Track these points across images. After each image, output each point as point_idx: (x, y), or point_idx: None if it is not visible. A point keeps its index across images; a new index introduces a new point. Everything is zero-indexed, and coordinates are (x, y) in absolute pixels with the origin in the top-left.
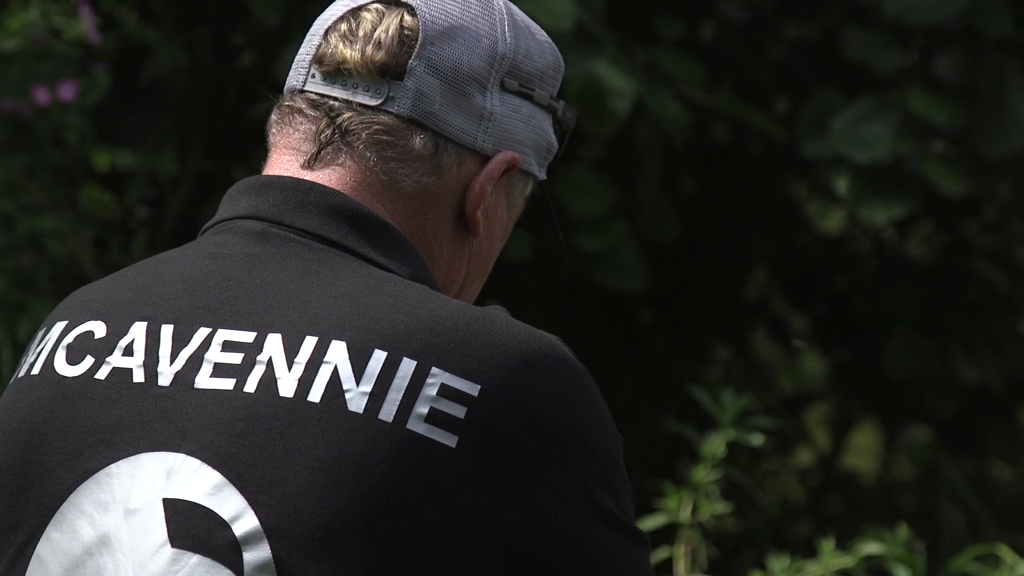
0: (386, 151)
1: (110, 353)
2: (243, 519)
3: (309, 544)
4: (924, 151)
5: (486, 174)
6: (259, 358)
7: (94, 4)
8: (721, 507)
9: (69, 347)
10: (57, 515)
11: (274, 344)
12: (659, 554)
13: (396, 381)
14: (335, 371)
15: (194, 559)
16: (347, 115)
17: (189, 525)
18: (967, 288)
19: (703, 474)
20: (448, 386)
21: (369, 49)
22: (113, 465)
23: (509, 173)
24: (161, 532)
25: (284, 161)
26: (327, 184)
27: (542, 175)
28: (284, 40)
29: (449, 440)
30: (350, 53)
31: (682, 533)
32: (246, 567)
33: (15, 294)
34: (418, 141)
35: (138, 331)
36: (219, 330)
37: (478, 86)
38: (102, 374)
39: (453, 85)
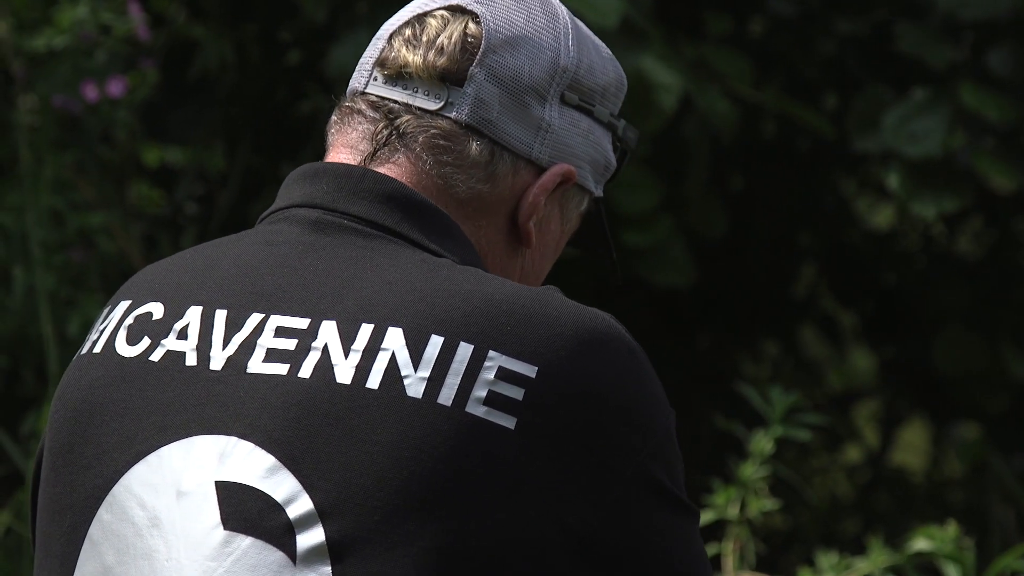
0: (442, 155)
1: (166, 336)
2: (297, 502)
3: (365, 527)
4: (975, 146)
5: (540, 185)
6: (314, 344)
7: (143, 1)
8: (769, 504)
9: (129, 328)
10: (109, 497)
11: (329, 331)
12: (707, 550)
13: (454, 366)
14: (392, 357)
15: (247, 541)
16: (406, 118)
17: (242, 507)
18: (1017, 284)
19: (751, 471)
20: (506, 368)
21: (431, 54)
22: (164, 448)
23: (565, 187)
24: (214, 514)
25: (341, 157)
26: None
27: (598, 192)
28: (331, 37)
29: (508, 422)
30: (412, 57)
31: (730, 530)
32: (299, 550)
33: (65, 290)
34: (474, 147)
35: (193, 315)
36: (272, 316)
37: (538, 97)
38: (157, 356)
39: (512, 94)
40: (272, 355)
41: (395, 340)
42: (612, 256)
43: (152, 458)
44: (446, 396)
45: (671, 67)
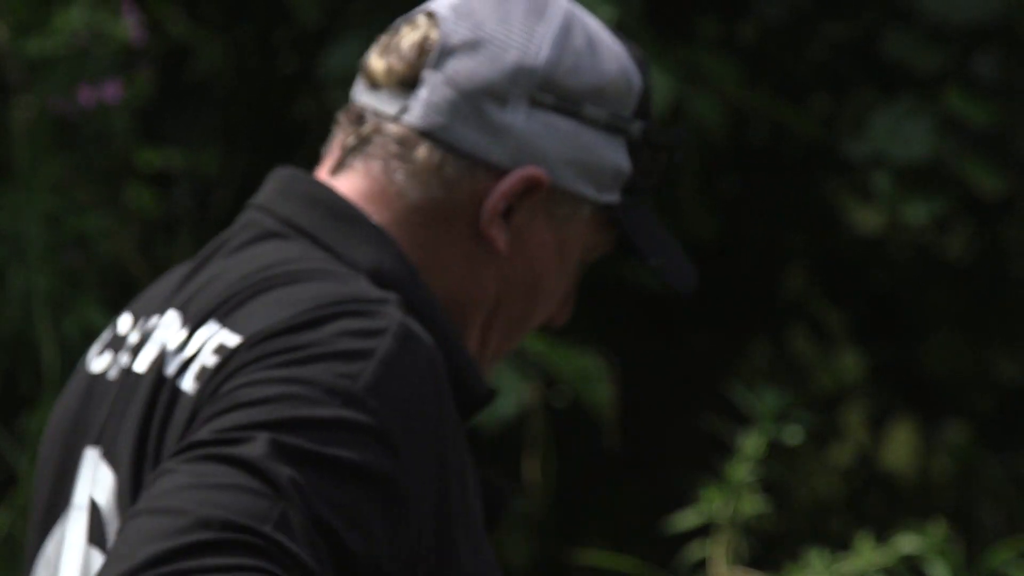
0: (394, 161)
1: (120, 350)
2: (115, 503)
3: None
4: (963, 150)
5: (498, 189)
6: (157, 337)
7: (139, 4)
8: (759, 504)
9: (103, 342)
10: (59, 523)
11: (171, 324)
12: (697, 550)
13: (201, 346)
14: (165, 341)
15: (101, 558)
16: (369, 124)
17: (98, 523)
18: (1005, 287)
19: (741, 471)
20: (220, 342)
21: (393, 59)
22: (87, 452)
23: (537, 192)
24: (84, 531)
25: (322, 168)
26: (343, 189)
27: (603, 198)
28: (325, 40)
29: (191, 389)
30: (380, 64)
31: (720, 530)
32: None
33: (61, 292)
34: (424, 152)
35: (139, 328)
36: (173, 312)
37: (496, 100)
38: (112, 373)
39: (467, 98)
40: (126, 357)
41: (173, 324)
42: (648, 262)
43: (79, 468)
44: (183, 374)
45: (662, 71)
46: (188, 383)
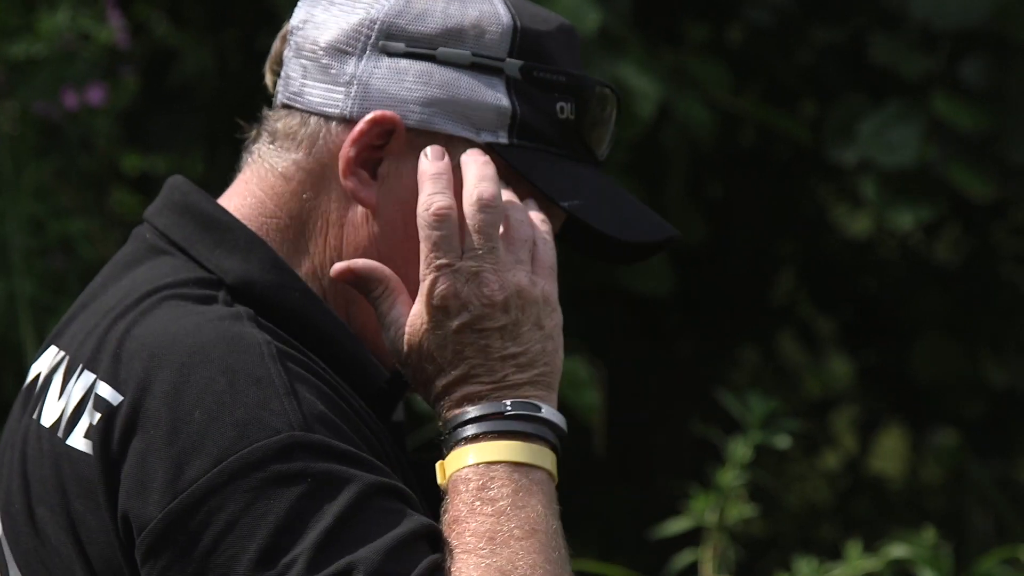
0: (265, 139)
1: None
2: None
3: (11, 555)
4: (950, 156)
5: (348, 137)
6: (40, 372)
7: (124, 8)
8: (748, 510)
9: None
10: None
11: (48, 358)
12: (685, 556)
13: (73, 394)
14: (50, 387)
15: None
16: (264, 114)
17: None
18: (994, 292)
19: (730, 477)
20: (100, 396)
21: (273, 53)
22: None
23: (395, 136)
24: None
25: None
26: (228, 192)
27: (482, 138)
28: None
29: (88, 449)
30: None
31: (708, 536)
32: None
33: (45, 296)
34: (284, 122)
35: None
36: (51, 345)
37: (341, 55)
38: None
39: (313, 60)
40: (26, 392)
41: (61, 370)
42: (564, 207)
43: None
44: (61, 426)
45: (649, 75)
46: (79, 441)
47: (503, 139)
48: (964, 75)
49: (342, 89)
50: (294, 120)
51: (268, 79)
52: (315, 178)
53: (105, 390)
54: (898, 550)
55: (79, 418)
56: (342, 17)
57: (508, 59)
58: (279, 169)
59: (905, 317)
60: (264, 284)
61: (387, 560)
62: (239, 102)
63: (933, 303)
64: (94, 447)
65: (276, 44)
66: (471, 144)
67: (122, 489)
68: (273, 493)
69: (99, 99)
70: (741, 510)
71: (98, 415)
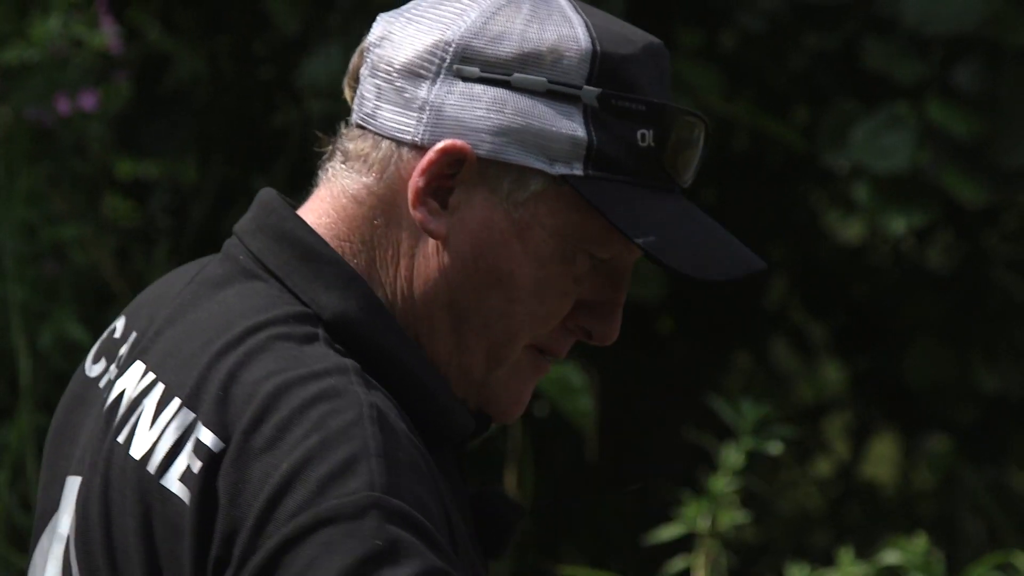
0: (339, 158)
1: (113, 361)
2: (74, 569)
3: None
4: (943, 161)
5: (418, 166)
6: (118, 383)
7: (117, 14)
8: (740, 516)
9: (100, 343)
10: (49, 525)
11: (134, 373)
12: (677, 563)
13: (170, 431)
14: (142, 413)
15: None
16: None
17: (67, 570)
18: (987, 297)
19: (722, 483)
20: (200, 440)
21: (351, 67)
22: (68, 479)
23: (466, 166)
24: (59, 566)
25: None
26: (307, 207)
27: (556, 170)
28: (303, 49)
29: (185, 496)
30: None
31: (701, 542)
32: None
33: (37, 302)
34: (357, 143)
35: (128, 344)
36: (137, 360)
37: (415, 78)
38: (103, 382)
39: (388, 81)
40: (114, 402)
41: (153, 397)
42: (639, 244)
43: (64, 489)
44: (154, 462)
45: None
46: (174, 483)
47: (578, 170)
48: (957, 80)
49: (414, 114)
50: (366, 143)
51: (347, 93)
52: (386, 204)
53: (207, 436)
54: (890, 556)
55: (175, 458)
56: (418, 37)
57: (586, 86)
58: (351, 192)
59: (897, 323)
60: (361, 324)
61: None
62: (232, 107)
63: (925, 309)
64: (191, 495)
65: (354, 59)
66: (544, 175)
67: (212, 546)
68: (339, 549)
69: (92, 104)
70: (733, 516)
71: (199, 462)
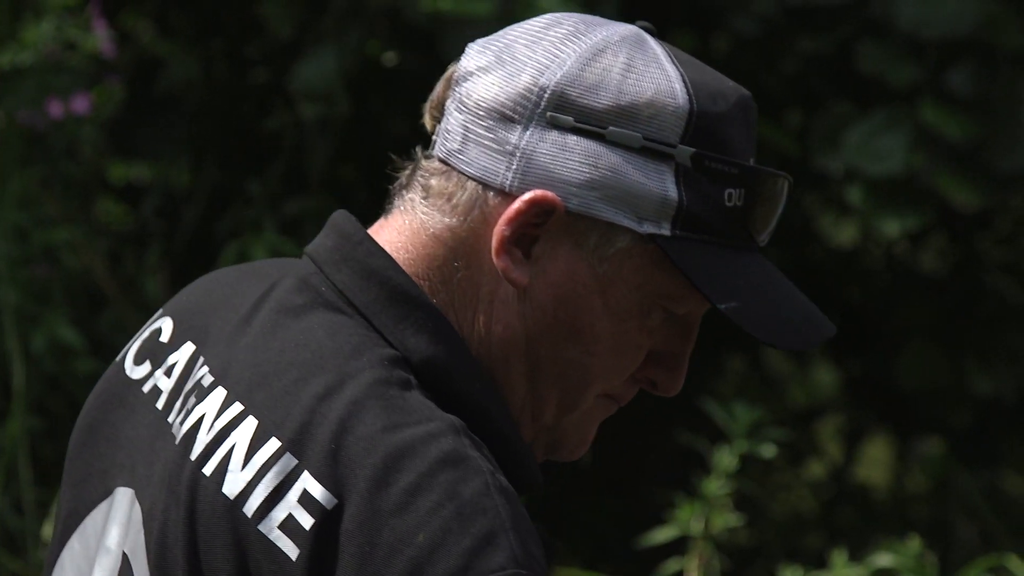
0: (419, 192)
1: (160, 366)
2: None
3: None
4: (937, 164)
5: (504, 214)
6: (198, 408)
7: (110, 17)
8: (733, 519)
9: (142, 343)
10: (82, 525)
11: (216, 399)
12: (671, 566)
13: (270, 476)
14: (233, 447)
15: None
16: (413, 163)
17: None
18: (980, 301)
19: (715, 486)
20: (308, 492)
21: (434, 96)
22: (118, 490)
23: (554, 217)
24: None
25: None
26: (383, 235)
27: (643, 228)
28: (297, 53)
29: (291, 551)
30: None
31: (694, 545)
32: None
33: (29, 306)
34: (439, 180)
35: (184, 353)
36: (219, 386)
37: (506, 121)
38: (147, 387)
39: (478, 120)
40: (190, 423)
41: (245, 431)
42: (721, 309)
43: (108, 500)
44: (251, 506)
45: None
46: (276, 533)
47: (666, 230)
48: (951, 84)
49: (504, 159)
50: (450, 181)
51: (427, 120)
52: (468, 248)
53: (316, 489)
54: (883, 559)
55: (275, 505)
56: (514, 77)
57: (680, 145)
58: (432, 230)
59: (891, 326)
60: (451, 370)
61: None
62: (225, 111)
63: (919, 312)
64: (300, 552)
65: (439, 88)
66: (632, 233)
67: None
68: None
69: (84, 108)
70: (726, 519)
71: (309, 517)
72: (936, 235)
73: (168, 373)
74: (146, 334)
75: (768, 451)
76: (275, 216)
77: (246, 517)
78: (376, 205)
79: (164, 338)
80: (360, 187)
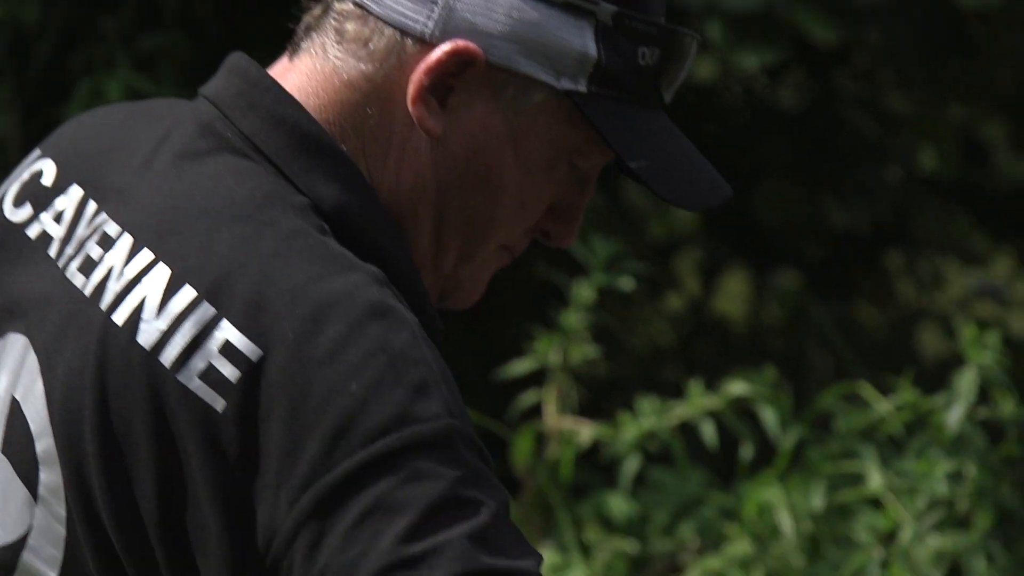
0: (332, 37)
1: (46, 209)
2: (44, 438)
3: (86, 474)
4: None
5: (424, 63)
6: (107, 257)
7: None
8: (591, 351)
9: (22, 185)
10: None
11: (123, 246)
12: (529, 397)
13: (186, 325)
14: (145, 297)
15: (8, 471)
16: (323, 4)
17: (14, 431)
18: (837, 136)
19: (573, 319)
20: (231, 343)
21: None
22: (8, 336)
23: (473, 68)
24: None
25: (286, 54)
26: (290, 79)
27: (562, 84)
28: None
29: (217, 403)
30: None
31: (552, 377)
32: (41, 488)
33: None
34: (354, 24)
35: (72, 198)
36: (125, 233)
37: None
38: (33, 231)
39: None
40: (85, 265)
41: (157, 280)
42: (631, 166)
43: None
44: (168, 356)
45: None
46: (197, 383)
47: (582, 87)
48: None
49: (425, 8)
50: (367, 27)
51: None
52: (381, 95)
53: (239, 340)
54: (738, 388)
55: (194, 354)
56: None
57: (603, 3)
58: (345, 76)
59: (748, 161)
60: (361, 219)
61: None
62: None
63: (776, 147)
64: (228, 405)
65: None
66: (548, 87)
67: (261, 460)
68: (429, 475)
69: None
70: (584, 351)
71: (235, 370)
72: (794, 70)
73: (57, 219)
74: (25, 176)
75: (626, 284)
76: (129, 52)
77: (163, 367)
78: (231, 43)
79: (47, 181)
80: (215, 24)
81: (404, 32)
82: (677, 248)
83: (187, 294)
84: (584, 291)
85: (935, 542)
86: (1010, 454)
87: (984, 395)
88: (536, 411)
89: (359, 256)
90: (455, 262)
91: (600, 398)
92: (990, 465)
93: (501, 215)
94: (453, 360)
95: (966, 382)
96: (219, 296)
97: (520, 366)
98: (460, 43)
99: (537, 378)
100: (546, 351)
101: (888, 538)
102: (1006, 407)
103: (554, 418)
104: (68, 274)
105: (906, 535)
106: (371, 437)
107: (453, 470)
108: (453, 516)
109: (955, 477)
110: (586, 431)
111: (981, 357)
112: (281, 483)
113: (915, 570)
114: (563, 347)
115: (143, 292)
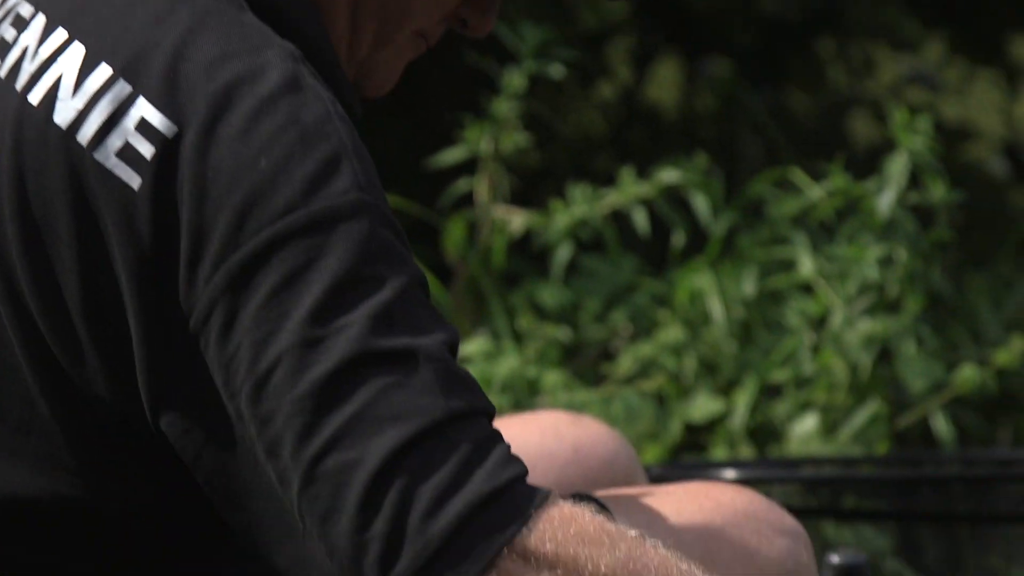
0: None
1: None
2: None
3: (5, 254)
4: None
5: None
6: (21, 38)
7: None
8: (522, 139)
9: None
10: None
11: (36, 26)
12: (460, 186)
13: (102, 103)
14: (61, 76)
15: None
16: None
17: None
18: None
19: (504, 107)
20: (146, 121)
21: None
22: None
23: None
24: None
25: None
26: None
27: None
28: None
29: (133, 181)
30: None
31: (484, 165)
32: None
33: None
34: None
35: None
36: (39, 13)
37: None
38: None
39: None
40: (0, 48)
41: (72, 59)
42: None
43: None
44: (85, 134)
45: None
46: (114, 161)
47: None
48: None
49: None
50: None
51: None
52: None
53: (155, 116)
54: (670, 175)
55: (111, 132)
56: None
57: None
58: None
59: None
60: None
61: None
62: None
63: None
64: (143, 183)
65: None
66: None
67: (176, 238)
68: (337, 250)
69: None
70: (516, 139)
71: (150, 147)
72: None
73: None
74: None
75: (557, 71)
76: None
77: (80, 146)
78: None
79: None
80: None
81: None
82: (608, 36)
83: (103, 72)
84: (515, 79)
85: (866, 326)
86: (940, 238)
87: (915, 180)
88: (468, 200)
89: (278, 35)
90: (371, 47)
91: (532, 187)
92: (920, 249)
93: (420, 9)
94: (383, 149)
95: (897, 167)
96: (135, 73)
97: (451, 155)
98: None
99: (469, 167)
100: (477, 139)
101: (819, 323)
102: (936, 192)
103: (486, 207)
104: None
105: (837, 319)
106: (279, 213)
107: (361, 244)
108: (358, 293)
109: (886, 262)
110: (518, 219)
111: (912, 142)
112: (194, 260)
113: (845, 354)
114: (494, 135)
115: (58, 71)
